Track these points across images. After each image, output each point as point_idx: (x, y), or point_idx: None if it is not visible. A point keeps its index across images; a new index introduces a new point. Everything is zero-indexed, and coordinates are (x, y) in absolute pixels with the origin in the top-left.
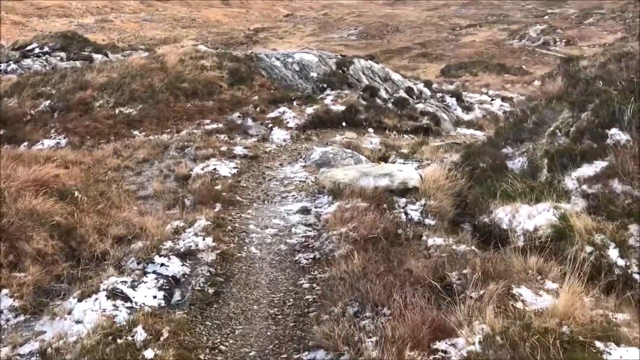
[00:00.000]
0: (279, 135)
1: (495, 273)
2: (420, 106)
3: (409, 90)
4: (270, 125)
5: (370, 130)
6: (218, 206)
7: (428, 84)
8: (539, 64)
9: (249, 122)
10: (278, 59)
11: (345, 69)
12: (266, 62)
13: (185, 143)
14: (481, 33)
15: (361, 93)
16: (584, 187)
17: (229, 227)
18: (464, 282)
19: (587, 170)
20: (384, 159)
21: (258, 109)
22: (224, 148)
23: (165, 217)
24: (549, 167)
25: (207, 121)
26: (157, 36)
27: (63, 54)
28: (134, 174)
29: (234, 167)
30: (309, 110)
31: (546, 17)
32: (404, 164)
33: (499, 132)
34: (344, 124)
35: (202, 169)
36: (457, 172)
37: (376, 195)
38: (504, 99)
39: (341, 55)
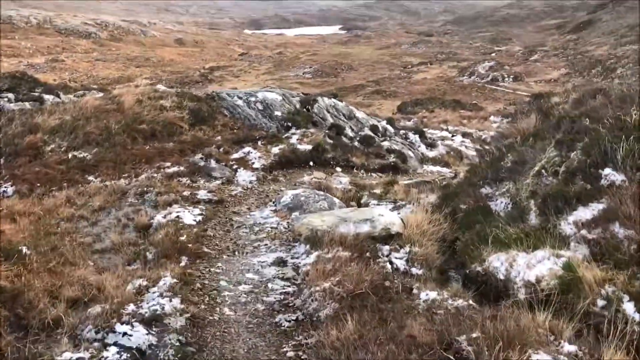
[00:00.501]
0: (244, 177)
1: (509, 336)
2: (386, 144)
3: (373, 128)
4: (234, 166)
5: (338, 169)
6: (184, 260)
7: (391, 121)
8: (489, 99)
9: (213, 163)
10: (240, 97)
11: (309, 107)
12: (228, 101)
13: (145, 188)
14: (432, 70)
15: (327, 131)
16: (584, 232)
17: (198, 285)
18: (476, 348)
19: (584, 213)
20: (356, 199)
21: (221, 150)
22: (186, 193)
23: (126, 274)
24: (541, 210)
25: (168, 164)
26: (110, 75)
27: (11, 95)
28: (89, 225)
29: (199, 214)
30: (275, 150)
31: (493, 54)
32: (378, 205)
33: (476, 170)
34: (311, 163)
35: (164, 216)
36: (440, 216)
37: (358, 243)
38: (464, 134)
39: (303, 93)
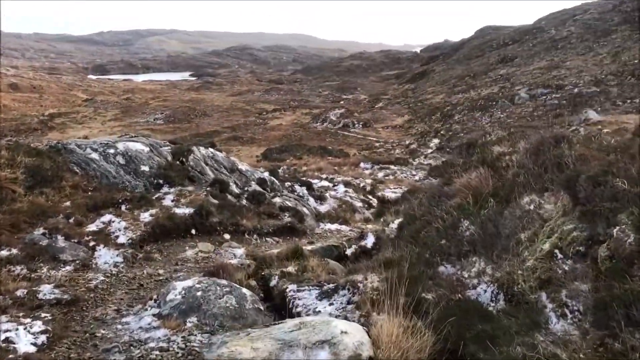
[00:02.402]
0: (106, 257)
1: None
2: (277, 200)
3: (261, 182)
4: (92, 243)
5: (227, 236)
6: None
7: (274, 172)
8: (343, 144)
9: (60, 241)
10: (95, 150)
11: (184, 159)
12: (79, 154)
13: None
14: (286, 117)
15: (208, 189)
16: None
17: None
18: None
19: None
20: (264, 280)
21: (72, 221)
22: (22, 292)
23: None
24: (597, 320)
25: None
26: None
27: None
28: None
29: (42, 330)
30: (145, 216)
31: (342, 102)
32: (298, 290)
33: (424, 241)
34: (193, 231)
35: None
36: (420, 322)
37: None
38: (346, 184)
39: (173, 142)
